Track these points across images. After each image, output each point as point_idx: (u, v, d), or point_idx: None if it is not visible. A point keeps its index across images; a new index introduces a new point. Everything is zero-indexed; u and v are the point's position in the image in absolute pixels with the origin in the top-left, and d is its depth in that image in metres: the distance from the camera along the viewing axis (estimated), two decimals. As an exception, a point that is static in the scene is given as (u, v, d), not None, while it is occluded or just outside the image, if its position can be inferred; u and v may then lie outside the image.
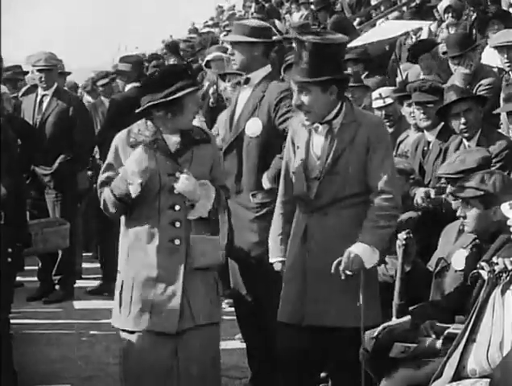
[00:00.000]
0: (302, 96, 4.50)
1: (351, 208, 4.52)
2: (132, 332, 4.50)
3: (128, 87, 8.61)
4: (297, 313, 4.57)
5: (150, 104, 4.45)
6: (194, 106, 4.55)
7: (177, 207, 4.49)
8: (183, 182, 4.43)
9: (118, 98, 8.57)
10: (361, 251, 4.40)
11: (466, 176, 4.98)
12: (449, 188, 5.38)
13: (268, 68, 5.67)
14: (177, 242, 4.48)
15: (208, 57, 9.57)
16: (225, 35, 12.58)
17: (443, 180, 5.58)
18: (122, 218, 4.58)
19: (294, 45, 4.70)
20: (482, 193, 4.56)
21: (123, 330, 4.55)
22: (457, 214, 4.79)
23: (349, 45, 9.39)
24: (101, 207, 4.56)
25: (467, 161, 5.27)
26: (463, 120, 5.77)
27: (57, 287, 8.39)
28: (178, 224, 4.49)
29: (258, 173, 5.51)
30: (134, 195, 4.40)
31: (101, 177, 4.57)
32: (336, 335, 4.53)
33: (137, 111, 4.58)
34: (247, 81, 5.61)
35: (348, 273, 4.38)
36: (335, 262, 4.40)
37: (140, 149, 4.39)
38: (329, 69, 4.45)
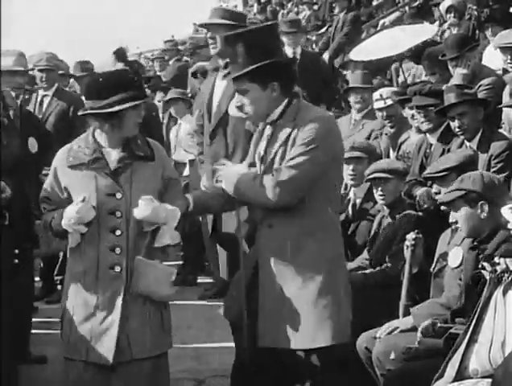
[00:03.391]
0: (242, 98, 4.19)
1: (296, 218, 4.14)
2: (71, 360, 4.25)
3: None
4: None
5: (87, 112, 4.18)
6: (135, 118, 4.18)
7: (118, 232, 4.17)
8: (141, 208, 4.08)
9: None
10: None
11: (453, 175, 5.11)
12: (435, 187, 5.41)
13: None
14: (117, 269, 4.17)
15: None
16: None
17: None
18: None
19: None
20: (464, 192, 4.56)
21: (65, 358, 4.30)
22: (449, 220, 4.80)
23: (354, 59, 9.39)
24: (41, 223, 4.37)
25: (449, 160, 5.34)
26: (457, 123, 5.80)
27: (59, 287, 8.39)
28: (118, 250, 4.16)
29: (246, 154, 5.48)
30: (72, 245, 4.21)
31: (41, 194, 4.35)
32: (290, 356, 4.22)
33: (79, 113, 4.36)
34: (227, 66, 5.41)
35: None
36: None
37: (82, 203, 4.10)
38: (258, 58, 4.10)
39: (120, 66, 11.40)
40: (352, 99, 8.01)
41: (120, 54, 12.67)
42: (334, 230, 4.27)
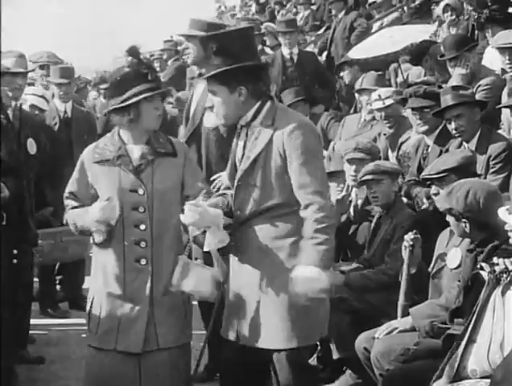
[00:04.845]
0: (213, 98, 4.22)
1: (274, 220, 4.16)
2: (99, 349, 4.44)
3: None
4: (226, 328, 4.34)
5: (107, 109, 4.45)
6: (154, 111, 4.41)
7: (142, 227, 4.37)
8: (187, 214, 4.16)
9: None
10: (310, 274, 4.00)
11: (452, 176, 5.15)
12: (434, 188, 5.42)
13: None
14: (143, 262, 4.37)
15: None
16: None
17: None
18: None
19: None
20: (448, 207, 4.62)
21: (90, 346, 4.48)
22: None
23: (351, 56, 9.40)
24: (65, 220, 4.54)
25: (448, 161, 5.34)
26: (454, 125, 5.81)
27: (58, 287, 8.38)
28: (143, 244, 4.37)
29: (218, 164, 5.51)
30: (98, 241, 4.39)
31: (67, 190, 4.52)
32: (258, 355, 4.24)
33: (104, 112, 4.64)
34: (201, 75, 5.57)
35: (305, 302, 4.05)
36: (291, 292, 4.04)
37: (106, 202, 4.29)
38: (227, 61, 4.12)
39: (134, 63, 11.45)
40: (364, 99, 8.01)
41: (133, 52, 12.72)
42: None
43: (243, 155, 4.23)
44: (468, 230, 4.58)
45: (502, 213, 4.09)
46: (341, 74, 9.61)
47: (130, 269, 4.37)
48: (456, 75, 7.20)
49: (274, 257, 4.17)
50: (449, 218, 4.69)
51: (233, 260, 4.32)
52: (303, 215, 4.11)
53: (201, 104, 5.62)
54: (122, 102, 4.34)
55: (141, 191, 4.37)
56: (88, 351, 4.51)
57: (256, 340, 4.21)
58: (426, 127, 6.28)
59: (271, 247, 4.18)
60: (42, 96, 7.63)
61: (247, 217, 4.22)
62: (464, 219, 4.57)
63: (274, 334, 4.17)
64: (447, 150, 6.00)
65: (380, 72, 8.46)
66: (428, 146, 6.29)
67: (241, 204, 4.24)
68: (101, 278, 4.43)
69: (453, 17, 10.21)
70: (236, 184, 4.25)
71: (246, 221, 4.22)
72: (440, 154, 6.01)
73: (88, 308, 4.49)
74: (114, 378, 4.39)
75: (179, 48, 15.00)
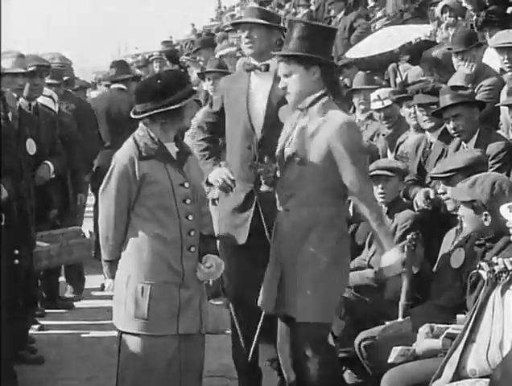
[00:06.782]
0: (286, 78, 4.57)
1: (308, 205, 4.56)
2: (154, 336, 4.60)
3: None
4: (270, 302, 4.70)
5: (154, 112, 4.55)
6: (190, 111, 4.85)
7: (191, 217, 4.67)
8: (208, 272, 4.71)
9: None
10: (395, 257, 4.56)
11: (460, 176, 5.10)
12: (441, 188, 5.42)
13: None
14: (193, 249, 4.68)
15: (222, 52, 9.61)
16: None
17: (439, 186, 5.58)
18: (137, 225, 4.64)
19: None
20: (470, 199, 4.61)
21: (135, 334, 4.61)
22: (458, 212, 4.84)
23: (349, 56, 9.41)
24: None
25: (456, 160, 5.35)
26: (452, 125, 5.81)
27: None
28: (193, 233, 4.68)
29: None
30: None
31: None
32: (297, 327, 4.58)
33: (138, 117, 4.63)
34: (267, 68, 5.32)
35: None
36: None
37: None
38: (314, 50, 4.51)
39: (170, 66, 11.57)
40: (355, 100, 8.01)
41: (171, 55, 12.83)
42: (341, 221, 4.70)
43: (289, 137, 4.62)
44: (488, 223, 4.56)
45: (504, 211, 4.09)
46: (341, 77, 9.60)
47: (186, 257, 4.65)
48: (461, 74, 7.18)
49: (306, 236, 4.55)
50: (466, 211, 4.65)
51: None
52: (362, 210, 4.55)
53: (275, 99, 5.26)
54: (171, 104, 4.53)
55: (187, 185, 4.67)
56: (133, 339, 4.62)
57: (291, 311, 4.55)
58: (432, 123, 6.28)
59: (305, 227, 4.55)
60: (50, 97, 7.64)
61: (285, 200, 4.61)
62: (486, 212, 4.56)
63: (305, 308, 4.49)
64: (448, 150, 6.01)
65: (369, 71, 8.46)
66: (430, 144, 6.29)
67: (282, 183, 4.64)
68: (158, 265, 4.60)
69: (452, 18, 10.22)
70: (281, 163, 4.64)
71: (285, 204, 4.62)
72: (443, 152, 6.03)
73: (130, 298, 4.59)
74: (163, 358, 4.60)
75: (178, 48, 15.03)
